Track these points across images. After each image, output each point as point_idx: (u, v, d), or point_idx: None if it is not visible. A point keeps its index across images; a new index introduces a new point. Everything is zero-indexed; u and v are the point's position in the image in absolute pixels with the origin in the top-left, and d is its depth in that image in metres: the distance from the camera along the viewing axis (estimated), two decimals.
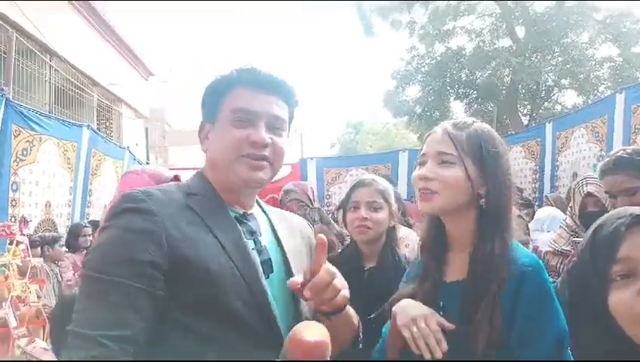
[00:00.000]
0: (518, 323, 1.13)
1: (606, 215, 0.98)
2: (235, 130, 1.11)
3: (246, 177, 1.12)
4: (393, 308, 1.26)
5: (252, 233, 1.14)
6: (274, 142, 1.13)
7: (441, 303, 1.25)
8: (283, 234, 1.22)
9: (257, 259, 1.09)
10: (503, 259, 1.19)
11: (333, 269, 1.00)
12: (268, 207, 1.30)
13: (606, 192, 2.12)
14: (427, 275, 1.30)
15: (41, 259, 3.88)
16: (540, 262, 1.24)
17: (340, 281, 1.02)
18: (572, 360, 1.09)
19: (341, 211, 2.15)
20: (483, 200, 1.24)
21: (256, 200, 1.26)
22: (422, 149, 1.32)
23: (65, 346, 0.91)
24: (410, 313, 1.19)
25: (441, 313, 1.23)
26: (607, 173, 2.02)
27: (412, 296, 1.29)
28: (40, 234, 4.91)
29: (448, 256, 1.32)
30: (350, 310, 1.14)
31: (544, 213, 4.10)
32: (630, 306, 0.85)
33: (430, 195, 1.23)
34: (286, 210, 2.51)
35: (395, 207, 2.01)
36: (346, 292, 1.03)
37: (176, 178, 1.78)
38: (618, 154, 2.02)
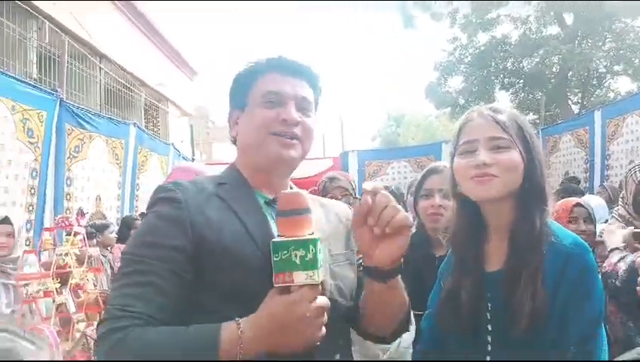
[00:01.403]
0: (559, 301, 1.13)
1: None
2: (266, 110, 1.14)
3: (277, 154, 1.13)
4: None
5: None
6: (303, 121, 1.15)
7: (488, 294, 1.23)
8: (314, 217, 1.22)
9: None
10: (542, 238, 1.19)
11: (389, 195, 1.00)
12: (305, 194, 1.30)
13: None
14: (468, 268, 1.28)
15: (97, 249, 4.08)
16: (586, 244, 1.22)
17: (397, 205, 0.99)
18: (606, 340, 1.14)
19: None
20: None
21: (290, 186, 1.26)
22: (460, 137, 1.28)
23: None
24: None
25: (489, 305, 1.23)
26: None
27: (457, 292, 1.27)
28: (91, 222, 5.16)
29: (487, 246, 1.29)
30: (401, 282, 1.12)
31: (594, 202, 3.96)
32: None
33: (489, 179, 1.19)
34: (330, 196, 2.57)
35: None
36: (405, 214, 0.98)
37: None
38: None
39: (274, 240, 0.94)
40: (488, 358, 1.21)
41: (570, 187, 5.46)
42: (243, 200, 1.13)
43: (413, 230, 2.02)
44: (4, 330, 0.85)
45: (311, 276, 0.91)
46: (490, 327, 1.22)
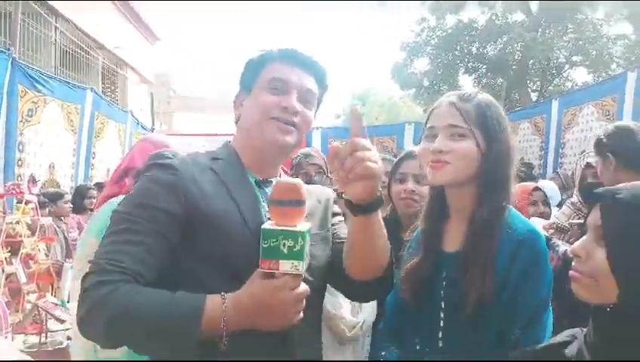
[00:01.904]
0: (509, 285, 1.20)
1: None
2: (270, 95, 1.19)
3: (273, 138, 1.17)
4: None
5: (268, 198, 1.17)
6: (303, 111, 1.20)
7: (444, 273, 1.29)
8: None
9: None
10: (498, 222, 1.25)
11: (368, 144, 1.00)
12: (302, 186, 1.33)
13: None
14: (428, 247, 1.34)
15: (50, 218, 3.94)
16: (538, 231, 1.30)
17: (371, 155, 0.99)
18: (550, 325, 1.22)
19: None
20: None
21: (280, 174, 1.31)
22: (427, 123, 1.34)
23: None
24: None
25: (444, 283, 1.28)
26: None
27: (417, 269, 1.33)
28: (44, 191, 4.97)
29: (449, 227, 1.35)
30: (383, 230, 1.14)
31: (547, 186, 4.16)
32: None
33: (442, 165, 1.25)
34: (304, 173, 2.59)
35: None
36: (372, 165, 0.98)
37: None
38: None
39: (264, 226, 0.97)
40: (440, 334, 1.27)
41: (524, 173, 5.69)
42: (236, 178, 1.18)
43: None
44: None
45: (296, 266, 0.95)
46: (443, 305, 1.28)
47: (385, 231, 1.14)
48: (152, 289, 1.00)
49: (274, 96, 1.18)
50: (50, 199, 4.72)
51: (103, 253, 1.02)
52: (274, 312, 0.97)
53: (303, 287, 1.00)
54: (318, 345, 1.27)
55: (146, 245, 1.02)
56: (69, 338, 2.37)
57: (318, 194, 1.33)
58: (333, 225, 1.31)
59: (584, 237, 0.96)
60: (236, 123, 1.28)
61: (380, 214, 1.11)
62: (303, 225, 0.99)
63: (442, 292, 1.29)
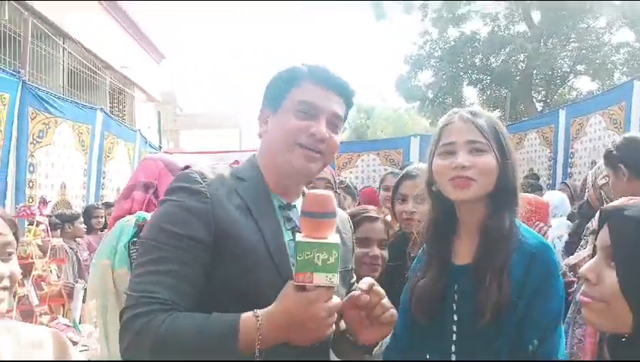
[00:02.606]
0: (523, 297, 1.20)
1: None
2: (297, 120, 1.16)
3: (299, 165, 1.16)
4: None
5: (291, 223, 1.19)
6: (330, 137, 1.18)
7: (456, 286, 1.29)
8: None
9: (291, 250, 1.12)
10: (510, 235, 1.26)
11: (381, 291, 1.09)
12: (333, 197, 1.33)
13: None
14: (438, 261, 1.34)
15: (61, 239, 3.95)
16: (548, 243, 1.32)
17: (389, 302, 1.09)
18: (563, 337, 1.23)
19: (383, 192, 2.10)
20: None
21: (303, 193, 1.30)
22: (441, 139, 1.33)
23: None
24: None
25: (455, 296, 1.28)
26: None
27: (427, 284, 1.32)
28: (59, 212, 5.02)
29: (457, 240, 1.35)
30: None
31: (555, 198, 4.14)
32: None
33: (467, 182, 1.25)
34: (311, 187, 2.58)
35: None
36: (394, 311, 1.09)
37: (187, 168, 1.81)
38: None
39: (299, 239, 0.97)
40: (453, 348, 1.26)
41: (528, 182, 5.69)
42: (260, 203, 1.16)
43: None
44: None
45: (330, 279, 0.95)
46: (455, 318, 1.28)
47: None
48: (188, 314, 1.01)
49: (302, 121, 1.16)
50: (67, 220, 4.75)
51: (136, 285, 1.05)
52: (308, 326, 0.97)
53: (336, 300, 0.99)
54: None
55: (176, 273, 1.03)
56: None
57: (340, 227, 1.30)
58: (352, 269, 1.33)
59: (593, 259, 0.92)
60: (260, 137, 1.26)
61: None
62: (334, 237, 0.98)
63: (454, 305, 1.28)
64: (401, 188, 2.06)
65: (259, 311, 0.98)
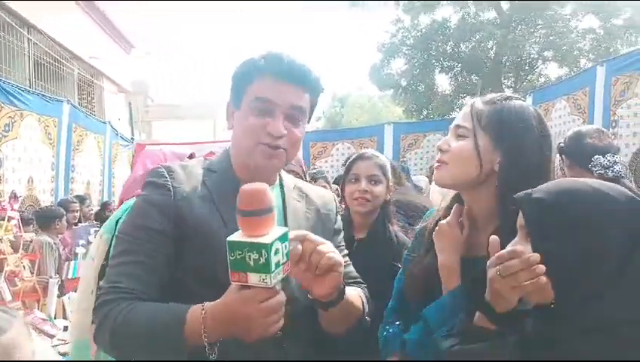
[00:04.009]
0: None
1: None
2: (255, 118, 1.17)
3: (261, 164, 1.19)
4: None
5: None
6: (290, 131, 1.18)
7: (463, 277, 1.24)
8: (292, 211, 1.27)
9: None
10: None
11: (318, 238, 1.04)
12: (289, 184, 1.34)
13: None
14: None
15: (33, 234, 3.90)
16: None
17: (328, 247, 1.04)
18: None
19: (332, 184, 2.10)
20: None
21: (280, 178, 1.31)
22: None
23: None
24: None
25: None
26: None
27: (429, 269, 1.28)
28: (49, 207, 5.01)
29: (469, 233, 1.29)
30: (352, 296, 1.17)
31: None
32: None
33: (440, 166, 1.26)
34: None
35: (391, 182, 2.07)
36: (334, 255, 1.03)
37: (192, 156, 1.86)
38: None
39: (230, 238, 0.93)
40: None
41: None
42: (227, 193, 1.15)
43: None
44: None
45: (264, 279, 0.91)
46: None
47: (356, 298, 1.19)
48: (145, 303, 1.07)
49: (259, 118, 1.16)
50: (57, 217, 4.68)
51: (107, 276, 1.13)
52: (246, 323, 0.96)
53: (275, 301, 0.95)
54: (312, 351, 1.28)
55: (141, 264, 1.10)
56: (61, 354, 2.36)
57: (320, 207, 1.33)
58: (337, 246, 1.25)
59: (514, 239, 0.99)
60: (230, 129, 1.27)
61: (348, 293, 1.13)
62: (272, 234, 0.92)
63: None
64: (354, 169, 2.05)
65: (206, 304, 1.00)
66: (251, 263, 0.90)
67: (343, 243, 1.38)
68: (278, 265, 0.93)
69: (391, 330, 1.38)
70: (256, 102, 1.16)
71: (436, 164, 1.29)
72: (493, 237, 0.98)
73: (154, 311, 1.04)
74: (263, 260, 0.89)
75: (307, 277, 1.03)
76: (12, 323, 0.91)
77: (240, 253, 0.90)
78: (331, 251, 1.02)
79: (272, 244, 0.90)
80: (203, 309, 0.99)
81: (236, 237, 0.92)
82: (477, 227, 1.28)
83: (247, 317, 0.95)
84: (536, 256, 0.90)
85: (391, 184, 2.06)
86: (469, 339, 1.01)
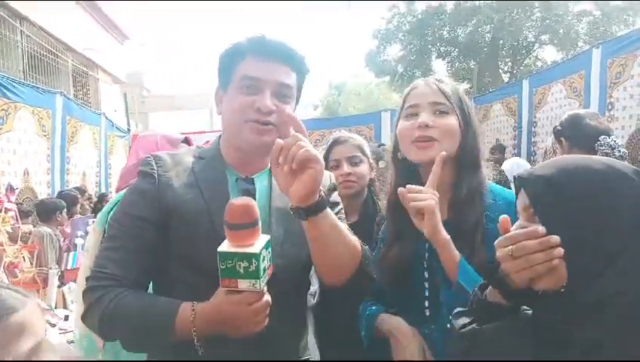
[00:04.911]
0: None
1: None
2: (243, 96, 1.17)
3: (251, 140, 1.18)
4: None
5: (248, 196, 1.16)
6: (279, 108, 1.17)
7: (427, 245, 1.29)
8: (279, 196, 1.23)
9: None
10: (477, 195, 1.30)
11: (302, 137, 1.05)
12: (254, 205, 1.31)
13: None
14: (406, 226, 1.32)
15: (32, 226, 3.91)
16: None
17: (309, 145, 1.04)
18: None
19: None
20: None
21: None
22: (405, 102, 1.35)
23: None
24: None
25: (427, 255, 1.31)
26: None
27: (398, 248, 1.34)
28: (51, 199, 5.02)
29: None
30: (344, 230, 1.17)
31: (509, 163, 4.37)
32: None
33: (430, 143, 1.28)
34: None
35: (372, 160, 2.08)
36: (312, 150, 1.03)
37: (187, 140, 1.85)
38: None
39: (220, 249, 0.99)
40: (427, 303, 1.30)
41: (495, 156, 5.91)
42: (213, 179, 1.21)
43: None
44: None
45: (253, 284, 0.99)
46: (427, 275, 1.31)
47: (350, 236, 1.18)
48: (136, 294, 1.10)
49: (247, 96, 1.17)
50: (59, 209, 4.70)
51: (96, 260, 1.16)
52: (236, 323, 1.03)
53: (264, 300, 1.03)
54: (302, 342, 1.31)
55: (126, 249, 1.13)
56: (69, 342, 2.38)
57: None
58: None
59: (517, 223, 0.96)
60: (219, 114, 1.28)
61: (334, 217, 1.13)
62: (258, 244, 0.99)
63: (425, 263, 1.31)
64: (333, 155, 2.04)
65: (197, 305, 1.05)
66: (241, 271, 0.98)
67: (343, 215, 1.35)
68: (264, 270, 1.01)
69: (374, 308, 1.43)
70: (244, 81, 1.17)
71: (419, 143, 1.28)
72: (504, 217, 0.95)
73: (144, 305, 1.08)
74: (252, 268, 0.97)
75: (285, 176, 1.04)
76: (25, 303, 0.91)
77: (230, 262, 0.98)
78: (309, 148, 1.03)
79: (260, 253, 0.98)
80: (193, 309, 1.05)
81: (225, 247, 0.99)
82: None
83: (238, 318, 1.02)
84: (557, 238, 0.87)
85: (372, 162, 2.06)
86: (484, 317, 0.99)
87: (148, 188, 1.18)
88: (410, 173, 1.37)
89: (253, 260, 0.97)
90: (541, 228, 0.88)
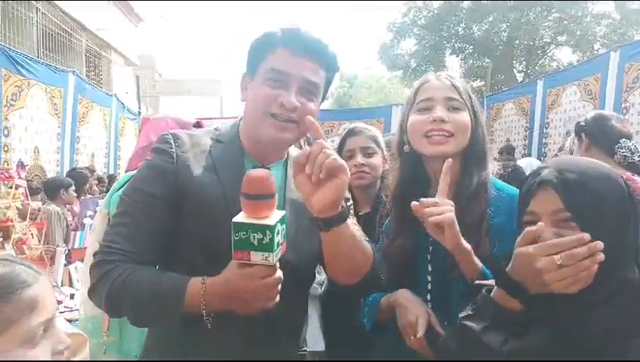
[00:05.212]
0: (506, 238, 1.18)
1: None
2: (268, 88, 1.15)
3: (270, 136, 1.16)
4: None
5: None
6: (303, 105, 1.15)
7: (431, 239, 1.27)
8: (292, 187, 1.20)
9: None
10: (482, 189, 1.30)
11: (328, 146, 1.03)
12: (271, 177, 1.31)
13: None
14: (410, 219, 1.32)
15: (40, 203, 3.93)
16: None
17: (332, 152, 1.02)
18: None
19: None
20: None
21: (289, 154, 1.29)
22: (417, 96, 1.35)
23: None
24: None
25: (431, 248, 1.31)
26: None
27: (401, 244, 1.34)
28: (56, 177, 5.02)
29: (430, 196, 1.32)
30: (358, 235, 1.16)
31: (523, 162, 4.34)
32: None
33: (445, 138, 1.28)
34: None
35: (385, 152, 2.07)
36: (340, 160, 1.01)
37: (199, 124, 1.84)
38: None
39: (234, 219, 0.97)
40: (429, 296, 1.31)
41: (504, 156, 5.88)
42: (231, 164, 1.19)
43: None
44: (4, 258, 0.96)
45: (266, 257, 0.97)
46: (430, 268, 1.32)
47: (364, 241, 1.16)
48: (144, 269, 1.09)
49: (273, 90, 1.14)
50: (63, 187, 4.69)
51: (105, 235, 1.14)
52: (246, 298, 1.01)
53: (275, 277, 1.01)
54: (302, 333, 1.31)
55: (136, 225, 1.12)
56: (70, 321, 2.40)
57: None
58: None
59: (536, 227, 0.92)
60: (243, 100, 1.26)
61: (353, 227, 1.12)
62: (273, 217, 0.98)
63: (429, 256, 1.32)
64: (347, 145, 2.05)
65: (207, 279, 1.03)
66: (255, 243, 0.96)
67: (351, 210, 1.33)
68: (278, 244, 0.99)
69: (376, 295, 1.42)
70: (271, 73, 1.15)
71: (435, 137, 1.28)
72: (532, 229, 0.93)
73: (153, 279, 1.06)
74: (267, 240, 0.96)
75: (308, 185, 1.01)
76: (37, 278, 0.94)
77: (244, 233, 0.96)
78: (335, 155, 1.00)
79: (275, 225, 0.96)
80: (203, 283, 1.03)
81: (241, 218, 0.97)
82: (434, 192, 1.30)
83: (249, 292, 1.00)
84: (601, 244, 0.86)
85: (386, 154, 2.05)
86: (499, 322, 0.97)
87: (164, 166, 1.16)
88: (415, 166, 1.37)
89: (268, 232, 0.95)
90: (586, 235, 0.86)
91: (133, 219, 1.12)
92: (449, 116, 1.28)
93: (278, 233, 0.97)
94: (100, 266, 1.09)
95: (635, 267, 0.94)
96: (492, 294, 1.00)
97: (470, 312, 1.02)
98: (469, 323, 1.01)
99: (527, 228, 0.93)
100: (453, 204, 1.19)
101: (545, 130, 7.13)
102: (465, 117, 1.30)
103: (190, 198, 1.13)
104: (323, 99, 1.26)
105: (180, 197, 1.13)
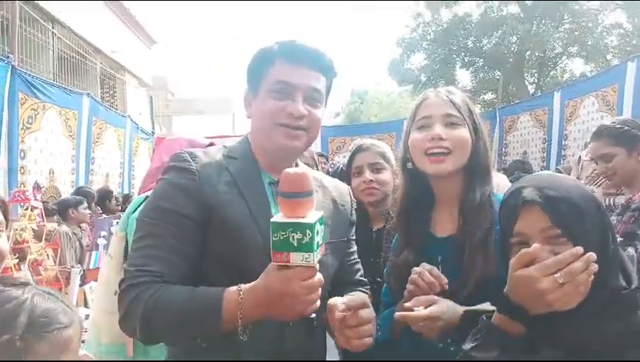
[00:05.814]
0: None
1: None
2: (274, 101, 1.18)
3: (282, 144, 1.18)
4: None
5: None
6: (310, 113, 1.19)
7: (440, 258, 1.31)
8: None
9: None
10: (487, 204, 1.30)
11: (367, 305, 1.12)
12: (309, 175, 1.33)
13: (591, 158, 2.28)
14: (418, 235, 1.36)
15: (56, 224, 3.94)
16: None
17: (368, 314, 1.11)
18: None
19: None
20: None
21: (297, 165, 1.32)
22: (417, 114, 1.36)
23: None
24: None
25: (439, 267, 1.29)
26: (592, 140, 2.23)
27: (408, 259, 1.34)
28: (65, 197, 5.05)
29: (437, 214, 1.38)
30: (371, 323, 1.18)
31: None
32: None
33: (443, 156, 1.29)
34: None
35: (395, 167, 2.06)
36: (367, 328, 1.10)
37: (212, 144, 1.83)
38: (604, 123, 2.21)
39: (273, 220, 0.95)
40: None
41: (515, 166, 5.78)
42: (250, 180, 1.19)
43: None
44: (50, 292, 1.00)
45: (306, 258, 0.94)
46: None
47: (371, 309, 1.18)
48: (177, 287, 1.06)
49: (279, 101, 1.17)
50: (71, 206, 4.70)
51: (131, 260, 1.10)
52: (287, 302, 0.97)
53: (317, 277, 0.99)
54: (321, 346, 1.31)
55: (168, 246, 1.08)
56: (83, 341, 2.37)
57: (337, 198, 1.33)
58: (349, 240, 1.32)
59: (533, 249, 0.92)
60: (248, 117, 1.28)
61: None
62: (312, 216, 0.96)
63: (439, 268, 1.29)
64: (356, 162, 2.06)
65: (242, 286, 1.01)
66: (294, 243, 0.93)
67: (354, 238, 1.39)
68: (318, 245, 0.96)
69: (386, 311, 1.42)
70: (276, 85, 1.18)
71: (434, 154, 1.29)
72: (529, 251, 0.93)
73: (187, 295, 1.03)
74: (307, 239, 0.93)
75: (337, 331, 1.10)
76: (73, 320, 0.97)
77: (284, 233, 0.93)
78: (369, 322, 1.10)
79: (315, 224, 0.94)
80: (240, 291, 1.00)
81: (279, 218, 0.96)
82: (443, 210, 1.37)
83: (289, 296, 0.96)
84: (594, 255, 0.87)
85: (396, 168, 2.04)
86: (509, 349, 0.96)
87: (187, 183, 1.13)
88: (419, 182, 1.39)
89: (308, 231, 0.92)
90: (579, 248, 0.88)
91: (164, 240, 1.09)
92: (447, 133, 1.29)
93: (317, 233, 0.95)
94: (130, 291, 1.05)
95: (620, 275, 0.97)
96: (493, 320, 1.00)
97: (474, 343, 1.00)
98: (477, 355, 0.99)
99: (523, 250, 0.92)
100: (446, 306, 1.19)
101: (564, 141, 7.04)
102: (463, 133, 1.30)
103: (217, 216, 1.12)
104: (325, 104, 1.28)
105: (206, 214, 1.12)
